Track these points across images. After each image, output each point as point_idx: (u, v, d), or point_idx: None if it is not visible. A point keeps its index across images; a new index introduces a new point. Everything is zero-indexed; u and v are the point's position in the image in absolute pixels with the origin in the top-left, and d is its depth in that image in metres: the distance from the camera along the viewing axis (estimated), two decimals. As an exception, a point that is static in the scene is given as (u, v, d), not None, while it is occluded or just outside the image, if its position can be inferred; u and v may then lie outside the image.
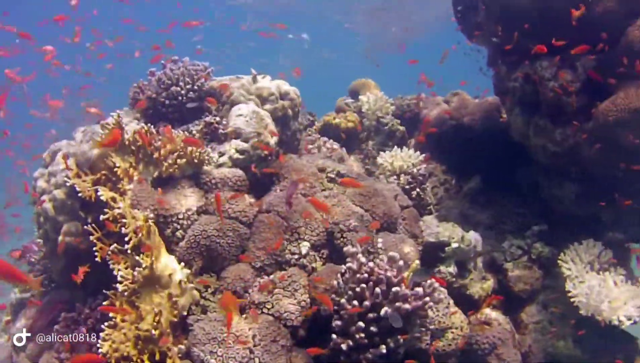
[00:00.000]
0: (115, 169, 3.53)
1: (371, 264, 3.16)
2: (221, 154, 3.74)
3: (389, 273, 3.07)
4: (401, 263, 3.13)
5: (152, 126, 3.74)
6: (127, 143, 3.61)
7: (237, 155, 3.72)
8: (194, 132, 3.81)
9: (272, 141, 3.86)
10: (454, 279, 3.93)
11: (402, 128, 5.49)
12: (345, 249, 3.30)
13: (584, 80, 3.89)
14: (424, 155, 4.72)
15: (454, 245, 3.96)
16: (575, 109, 4.01)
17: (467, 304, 3.98)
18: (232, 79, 4.36)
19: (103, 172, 3.54)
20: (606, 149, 3.82)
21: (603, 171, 3.95)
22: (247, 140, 3.76)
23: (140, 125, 3.78)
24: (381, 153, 4.85)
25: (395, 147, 4.80)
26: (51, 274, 3.94)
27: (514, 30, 4.20)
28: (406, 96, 6.20)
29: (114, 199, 3.35)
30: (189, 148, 3.59)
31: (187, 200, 3.53)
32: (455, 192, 5.49)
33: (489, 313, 3.96)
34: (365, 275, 3.07)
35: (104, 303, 3.12)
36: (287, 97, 4.47)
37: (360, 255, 3.19)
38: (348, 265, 3.16)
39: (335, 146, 5.05)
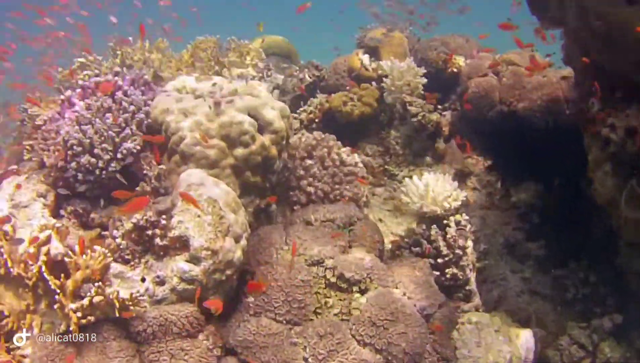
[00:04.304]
0: (5, 320, 2.34)
1: None
2: (160, 282, 2.46)
3: None
4: None
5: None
6: (15, 274, 2.36)
7: (182, 285, 2.44)
8: (118, 239, 2.47)
9: (237, 254, 2.53)
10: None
11: (434, 118, 3.97)
12: None
13: None
14: (463, 193, 3.34)
15: (500, 373, 2.84)
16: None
17: None
18: (183, 111, 2.86)
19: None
20: None
21: None
22: (197, 259, 2.44)
23: (43, 234, 2.45)
24: (407, 181, 3.45)
25: (427, 176, 3.38)
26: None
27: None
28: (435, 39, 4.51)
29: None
30: (107, 290, 2.32)
31: (112, 364, 2.36)
32: (501, 198, 4.17)
33: None
34: None
35: None
36: (269, 128, 3.00)
37: None
38: None
39: (346, 156, 3.60)
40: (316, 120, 4.03)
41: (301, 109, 4.13)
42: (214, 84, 3.26)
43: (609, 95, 3.00)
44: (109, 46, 4.63)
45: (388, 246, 3.46)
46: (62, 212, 2.70)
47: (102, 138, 2.53)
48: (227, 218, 2.52)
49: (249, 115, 2.97)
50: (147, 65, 4.55)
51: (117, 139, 2.55)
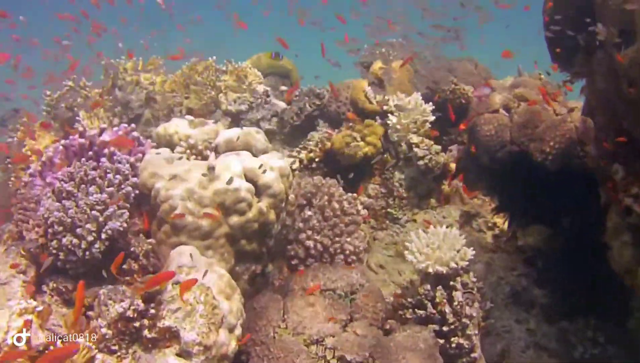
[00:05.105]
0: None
1: None
2: (149, 378, 2.29)
3: None
4: None
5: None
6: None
7: (174, 383, 2.27)
8: (104, 329, 2.29)
9: (231, 347, 2.36)
10: None
11: (442, 160, 3.75)
12: None
13: None
14: (471, 250, 3.16)
15: None
16: None
17: None
18: (174, 175, 2.65)
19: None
20: None
21: None
22: (188, 354, 2.26)
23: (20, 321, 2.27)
24: (411, 235, 3.26)
25: (432, 230, 3.20)
26: None
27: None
28: (442, 65, 4.29)
29: None
30: (92, 391, 2.15)
31: None
32: (507, 241, 4.00)
33: None
34: None
35: None
36: (267, 192, 2.80)
37: None
38: None
39: (348, 205, 3.41)
40: (316, 159, 3.82)
41: (301, 146, 3.91)
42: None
43: (632, 159, 2.82)
44: (102, 65, 4.41)
45: (389, 298, 3.31)
46: (44, 288, 2.51)
47: (86, 217, 2.32)
48: (220, 308, 2.34)
49: (246, 177, 2.77)
50: (140, 86, 4.33)
51: (101, 219, 2.34)
